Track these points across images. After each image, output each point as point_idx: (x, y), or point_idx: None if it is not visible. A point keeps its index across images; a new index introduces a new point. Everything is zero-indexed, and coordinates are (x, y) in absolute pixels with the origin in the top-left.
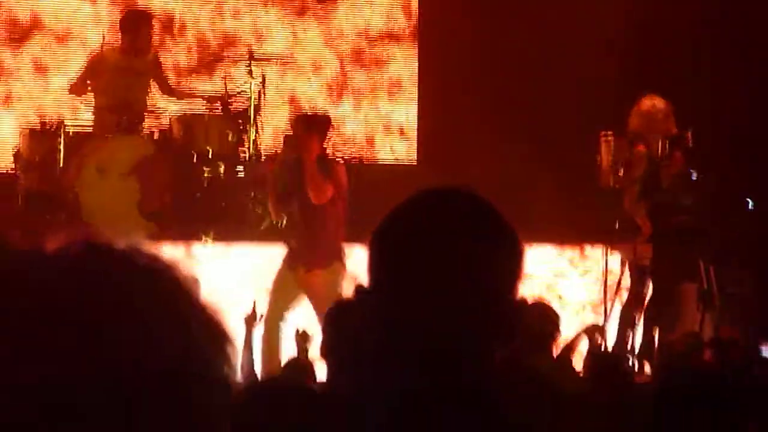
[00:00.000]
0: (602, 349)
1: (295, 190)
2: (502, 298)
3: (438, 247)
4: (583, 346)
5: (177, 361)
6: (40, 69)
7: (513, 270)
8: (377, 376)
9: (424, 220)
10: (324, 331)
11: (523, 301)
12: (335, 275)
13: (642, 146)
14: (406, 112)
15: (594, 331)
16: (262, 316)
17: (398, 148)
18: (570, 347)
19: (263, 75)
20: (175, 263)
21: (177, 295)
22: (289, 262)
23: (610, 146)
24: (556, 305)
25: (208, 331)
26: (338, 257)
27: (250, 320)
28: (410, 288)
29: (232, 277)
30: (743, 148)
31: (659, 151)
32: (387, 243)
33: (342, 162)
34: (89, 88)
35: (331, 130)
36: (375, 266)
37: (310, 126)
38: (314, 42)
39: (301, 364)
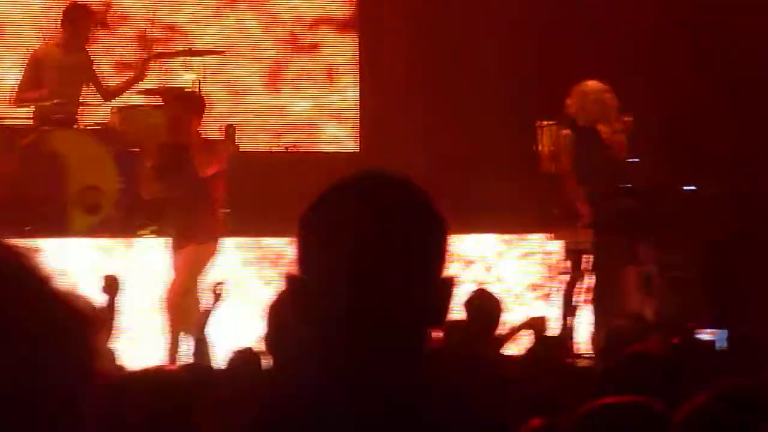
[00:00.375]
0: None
1: (174, 170)
2: (431, 280)
3: (366, 231)
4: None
5: (25, 346)
6: None
7: (439, 253)
8: (313, 366)
9: (351, 204)
10: (267, 324)
11: (450, 281)
12: (206, 252)
13: (569, 130)
14: (347, 99)
15: (538, 323)
16: (220, 295)
17: (340, 136)
18: (509, 336)
19: (203, 67)
20: (28, 253)
21: (25, 282)
22: (175, 245)
23: (548, 133)
24: (496, 288)
25: (58, 317)
26: (214, 235)
27: (216, 297)
28: (339, 274)
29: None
30: (683, 132)
31: (600, 135)
32: (315, 228)
33: (222, 140)
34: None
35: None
36: (303, 252)
37: (188, 106)
38: (252, 30)
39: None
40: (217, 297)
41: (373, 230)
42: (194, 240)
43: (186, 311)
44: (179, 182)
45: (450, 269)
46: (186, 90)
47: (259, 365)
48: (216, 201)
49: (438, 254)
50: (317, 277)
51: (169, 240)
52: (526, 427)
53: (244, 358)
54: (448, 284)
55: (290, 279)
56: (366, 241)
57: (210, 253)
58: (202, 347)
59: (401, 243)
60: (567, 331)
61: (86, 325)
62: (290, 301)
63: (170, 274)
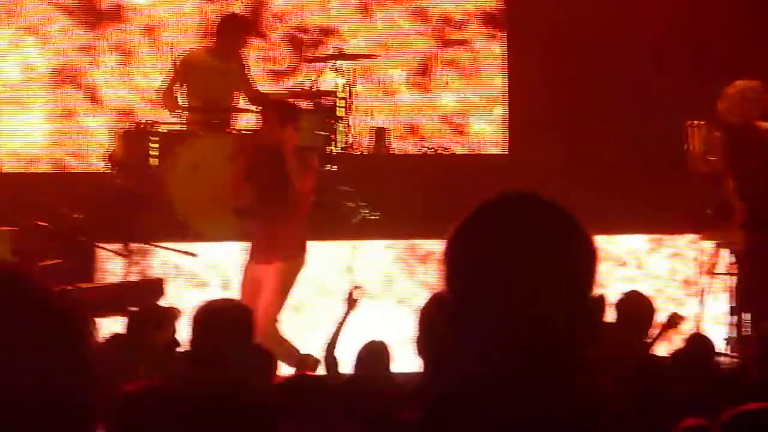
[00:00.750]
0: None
1: (267, 180)
2: (580, 300)
3: (515, 253)
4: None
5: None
6: (131, 71)
7: (589, 273)
8: (468, 380)
9: (500, 226)
10: (419, 327)
11: (601, 300)
12: (296, 269)
13: (721, 131)
14: (495, 99)
15: (676, 320)
16: (357, 300)
17: (488, 137)
18: (657, 337)
19: (352, 70)
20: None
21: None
22: (255, 257)
23: (699, 132)
24: (646, 288)
25: (53, 329)
26: (302, 250)
27: (350, 303)
28: (489, 296)
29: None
30: None
31: (758, 133)
32: (463, 250)
33: (310, 150)
34: (179, 91)
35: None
36: (453, 271)
37: (285, 116)
38: (401, 30)
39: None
40: (353, 303)
41: (522, 252)
42: (281, 254)
43: (278, 338)
44: (271, 188)
45: (600, 269)
46: (282, 99)
47: (388, 360)
48: (305, 214)
49: (587, 274)
50: (468, 298)
51: (249, 249)
52: (679, 428)
53: (373, 350)
54: (598, 303)
55: (441, 298)
56: (515, 263)
57: (298, 269)
58: (333, 368)
59: (550, 264)
60: (719, 332)
61: (82, 334)
62: (443, 318)
63: (246, 288)
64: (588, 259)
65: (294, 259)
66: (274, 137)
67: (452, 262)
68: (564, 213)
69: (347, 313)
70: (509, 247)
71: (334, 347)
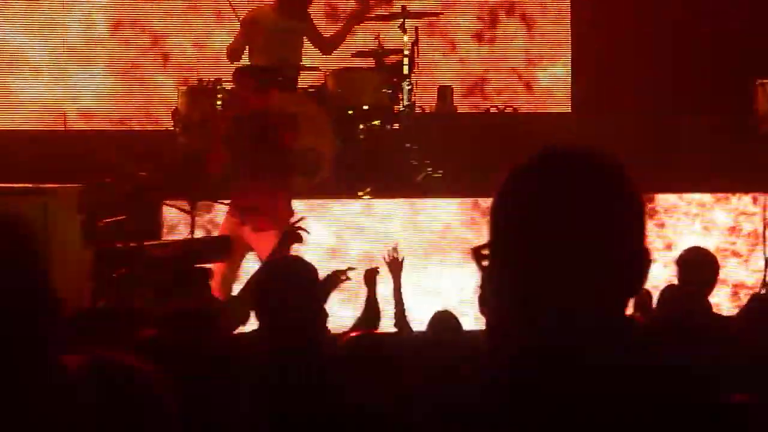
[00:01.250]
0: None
1: (252, 144)
2: (625, 252)
3: (555, 207)
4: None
5: None
6: (195, 28)
7: (632, 225)
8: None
9: (542, 182)
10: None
11: (646, 253)
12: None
13: None
14: (560, 57)
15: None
16: (403, 258)
17: (552, 95)
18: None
19: (416, 29)
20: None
21: None
22: (240, 219)
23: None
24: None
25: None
26: (288, 216)
27: (395, 265)
28: (531, 251)
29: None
30: None
31: None
32: (504, 207)
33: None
34: (245, 49)
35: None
36: (492, 228)
37: (264, 80)
38: None
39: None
40: (397, 266)
41: (563, 205)
42: (272, 223)
43: None
44: (255, 158)
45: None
46: (254, 65)
47: (459, 328)
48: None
49: (631, 226)
50: (509, 255)
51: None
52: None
53: (443, 320)
54: (644, 256)
55: (478, 253)
56: (556, 217)
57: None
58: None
59: (592, 217)
60: None
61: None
62: (484, 278)
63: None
64: (630, 209)
65: (279, 228)
66: (256, 105)
67: (492, 219)
68: (606, 162)
69: (397, 277)
70: (547, 200)
71: (402, 313)
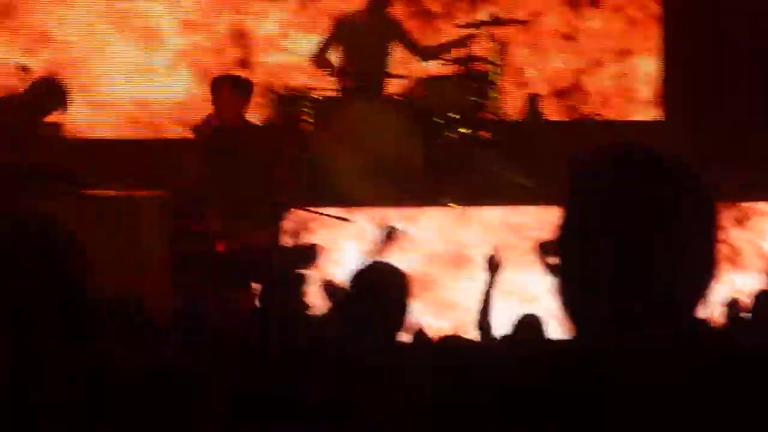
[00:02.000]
0: None
1: (232, 165)
2: (694, 254)
3: (634, 204)
4: None
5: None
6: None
7: (707, 231)
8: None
9: (622, 177)
10: None
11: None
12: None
13: None
14: (650, 66)
15: None
16: (499, 264)
17: (643, 103)
18: None
19: (503, 38)
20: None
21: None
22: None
23: None
24: None
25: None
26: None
27: (493, 266)
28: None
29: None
30: None
31: None
32: (578, 194)
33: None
34: (333, 54)
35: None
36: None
37: (245, 90)
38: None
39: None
40: (496, 267)
41: (634, 201)
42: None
43: None
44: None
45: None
46: (236, 75)
47: (543, 332)
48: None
49: (699, 228)
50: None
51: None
52: None
53: (528, 323)
54: (711, 258)
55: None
56: (628, 212)
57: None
58: (487, 334)
59: (660, 213)
60: None
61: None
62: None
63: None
64: (700, 213)
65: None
66: (233, 116)
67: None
68: (677, 163)
69: (492, 278)
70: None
71: (487, 313)
